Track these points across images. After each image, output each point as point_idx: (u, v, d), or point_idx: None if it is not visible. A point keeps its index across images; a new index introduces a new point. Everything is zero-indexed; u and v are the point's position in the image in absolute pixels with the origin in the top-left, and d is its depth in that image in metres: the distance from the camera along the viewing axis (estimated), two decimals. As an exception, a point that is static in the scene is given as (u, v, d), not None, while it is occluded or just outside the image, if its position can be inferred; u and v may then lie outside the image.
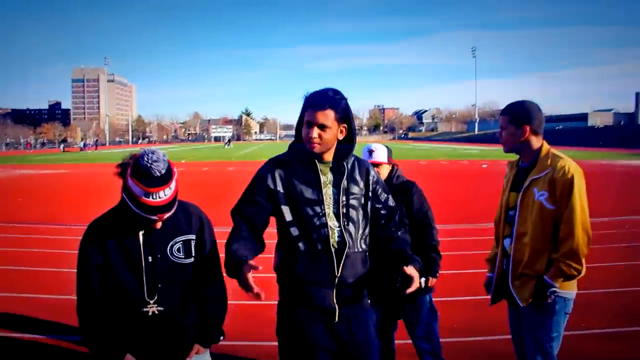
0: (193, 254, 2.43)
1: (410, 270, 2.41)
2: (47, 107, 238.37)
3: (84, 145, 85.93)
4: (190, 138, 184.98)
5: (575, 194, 2.85)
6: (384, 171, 3.77)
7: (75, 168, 34.54)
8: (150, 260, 2.33)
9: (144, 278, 2.31)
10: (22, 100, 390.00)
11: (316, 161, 2.52)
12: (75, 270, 2.37)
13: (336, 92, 2.54)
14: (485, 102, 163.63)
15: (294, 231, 2.50)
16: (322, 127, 2.46)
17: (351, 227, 2.55)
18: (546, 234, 2.92)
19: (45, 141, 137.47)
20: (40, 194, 18.43)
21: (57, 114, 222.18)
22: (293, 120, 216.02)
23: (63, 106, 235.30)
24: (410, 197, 3.75)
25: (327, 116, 2.47)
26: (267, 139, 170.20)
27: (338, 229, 2.51)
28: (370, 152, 3.75)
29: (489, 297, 3.30)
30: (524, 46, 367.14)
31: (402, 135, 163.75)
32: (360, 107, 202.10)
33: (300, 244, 2.49)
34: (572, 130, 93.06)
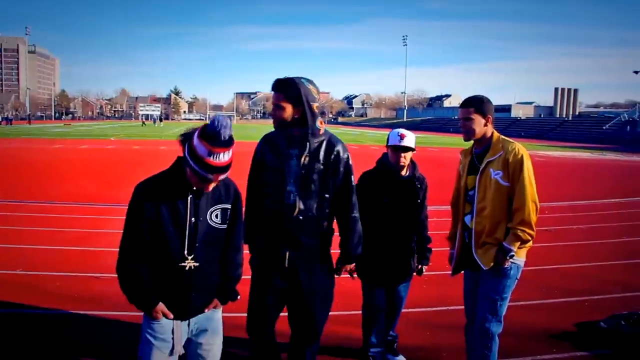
0: (227, 221, 2.74)
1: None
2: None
3: (2, 119, 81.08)
4: (116, 115, 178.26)
5: (525, 171, 3.37)
6: (409, 156, 3.96)
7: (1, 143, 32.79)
8: (193, 221, 2.61)
9: (186, 236, 2.60)
10: None
11: (286, 138, 3.16)
12: (124, 222, 2.64)
13: (292, 79, 3.10)
14: (414, 90, 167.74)
15: (266, 190, 3.23)
16: (278, 106, 3.09)
17: (305, 194, 3.10)
18: (503, 207, 3.41)
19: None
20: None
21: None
22: (223, 100, 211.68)
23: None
24: (425, 191, 4.15)
25: (278, 98, 3.09)
26: (196, 119, 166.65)
27: (293, 194, 3.10)
28: (401, 136, 3.91)
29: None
30: (452, 37, 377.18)
31: (332, 120, 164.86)
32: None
33: (267, 201, 3.21)
34: (497, 120, 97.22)
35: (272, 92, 3.11)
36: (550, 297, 5.84)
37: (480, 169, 3.50)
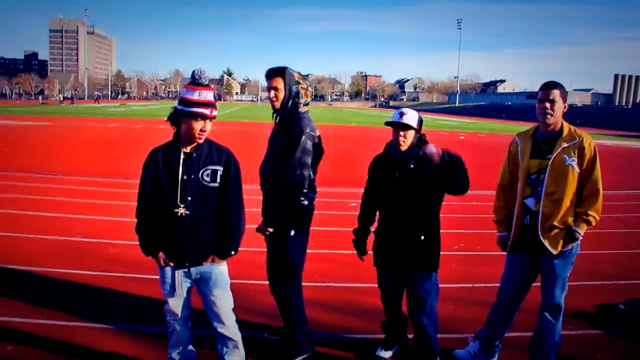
0: (218, 181, 3.25)
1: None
2: (22, 57, 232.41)
3: (65, 98, 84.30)
4: (170, 96, 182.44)
5: (597, 161, 3.59)
6: (410, 135, 3.74)
7: (56, 121, 34.42)
8: (185, 178, 3.20)
9: (179, 189, 3.19)
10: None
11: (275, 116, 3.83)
12: None
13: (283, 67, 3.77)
14: (467, 75, 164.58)
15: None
16: (275, 89, 3.72)
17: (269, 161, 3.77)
18: (574, 192, 3.59)
19: (21, 92, 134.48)
20: (26, 145, 18.69)
21: (33, 65, 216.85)
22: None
23: (40, 57, 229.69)
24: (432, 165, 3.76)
25: (278, 82, 3.71)
26: (248, 100, 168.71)
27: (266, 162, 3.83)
28: (401, 114, 3.77)
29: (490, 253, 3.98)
30: (509, 21, 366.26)
31: (384, 103, 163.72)
32: (343, 73, 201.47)
33: None
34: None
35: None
36: (576, 280, 5.97)
37: (554, 154, 3.58)
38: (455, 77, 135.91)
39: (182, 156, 3.21)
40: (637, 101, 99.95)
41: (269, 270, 4.00)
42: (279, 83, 3.70)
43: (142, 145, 19.89)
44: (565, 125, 3.64)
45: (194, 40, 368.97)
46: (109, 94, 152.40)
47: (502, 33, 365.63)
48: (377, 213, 4.01)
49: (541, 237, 3.62)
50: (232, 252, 3.33)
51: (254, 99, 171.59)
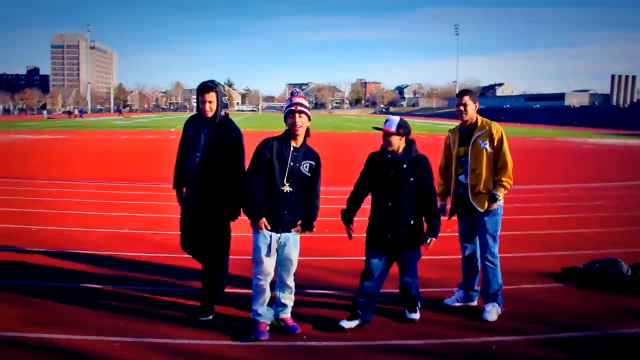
0: (311, 172, 4.38)
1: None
2: (25, 72, 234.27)
3: (79, 112, 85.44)
4: (171, 107, 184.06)
5: (504, 141, 4.93)
6: (395, 140, 4.52)
7: (72, 134, 35.68)
8: (291, 164, 4.29)
9: (286, 173, 4.28)
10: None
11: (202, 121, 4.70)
12: (250, 161, 4.39)
13: (216, 83, 4.67)
14: (466, 79, 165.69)
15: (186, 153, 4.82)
16: (210, 102, 4.59)
17: (210, 167, 4.58)
18: (490, 167, 4.91)
19: (24, 107, 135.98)
20: (49, 156, 19.93)
21: (35, 80, 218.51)
22: (275, 91, 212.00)
23: (41, 72, 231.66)
24: (423, 170, 4.59)
25: (212, 96, 4.58)
26: (249, 110, 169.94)
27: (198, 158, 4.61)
28: (386, 120, 4.61)
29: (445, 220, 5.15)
30: (506, 25, 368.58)
31: (384, 110, 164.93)
32: (343, 80, 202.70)
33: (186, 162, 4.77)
34: (549, 109, 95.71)
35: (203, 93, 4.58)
36: (550, 251, 7.16)
37: (472, 141, 4.94)
38: (454, 82, 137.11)
39: (291, 149, 4.31)
40: (635, 101, 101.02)
41: (209, 246, 4.73)
42: (213, 97, 4.57)
43: (160, 153, 21.12)
44: (479, 119, 5.00)
45: (194, 52, 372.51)
46: (111, 106, 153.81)
47: (499, 37, 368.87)
48: (370, 200, 4.77)
49: (472, 201, 4.94)
50: (312, 226, 4.48)
51: (254, 109, 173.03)
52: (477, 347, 4.33)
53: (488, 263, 4.98)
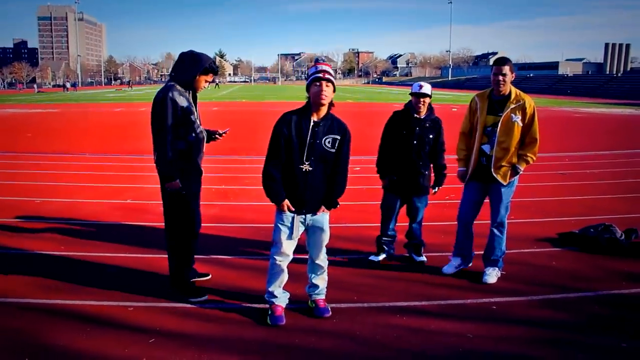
0: (335, 148, 4.00)
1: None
2: (12, 45, 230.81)
3: (71, 85, 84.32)
4: (163, 80, 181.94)
5: (536, 116, 4.83)
6: (427, 102, 5.28)
7: (62, 107, 35.44)
8: (311, 141, 3.92)
9: (305, 149, 3.93)
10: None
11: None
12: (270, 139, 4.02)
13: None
14: (459, 48, 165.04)
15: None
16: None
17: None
18: (518, 141, 4.84)
19: (13, 81, 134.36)
20: (46, 130, 19.89)
21: (23, 53, 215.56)
22: (267, 62, 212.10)
23: (29, 45, 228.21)
24: (440, 130, 5.43)
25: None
26: (241, 81, 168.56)
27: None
28: (420, 86, 5.27)
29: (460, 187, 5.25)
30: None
31: (377, 79, 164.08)
32: (335, 50, 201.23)
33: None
34: (543, 78, 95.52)
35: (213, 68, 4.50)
36: (547, 217, 7.35)
37: (504, 112, 4.77)
38: (447, 51, 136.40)
39: (311, 124, 3.93)
40: (628, 70, 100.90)
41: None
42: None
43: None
44: (513, 90, 4.81)
45: (185, 23, 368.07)
46: (102, 79, 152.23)
47: (492, 5, 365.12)
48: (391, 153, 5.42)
49: (493, 173, 4.89)
50: (336, 203, 4.17)
51: (246, 80, 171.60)
52: (479, 307, 4.52)
53: (497, 231, 5.06)
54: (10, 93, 72.06)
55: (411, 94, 5.32)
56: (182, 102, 4.40)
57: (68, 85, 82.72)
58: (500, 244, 5.09)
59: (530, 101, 4.82)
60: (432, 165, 5.51)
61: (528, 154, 4.86)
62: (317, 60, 4.18)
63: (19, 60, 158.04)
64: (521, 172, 4.93)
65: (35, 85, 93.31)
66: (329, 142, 3.99)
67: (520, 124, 4.79)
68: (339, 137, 4.02)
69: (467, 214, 5.22)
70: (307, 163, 3.96)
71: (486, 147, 4.92)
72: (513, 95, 4.79)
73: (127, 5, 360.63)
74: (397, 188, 5.46)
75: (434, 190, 5.50)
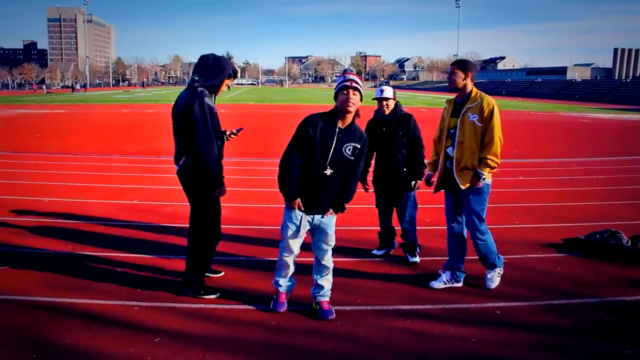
0: (355, 155, 4.12)
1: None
2: (21, 47, 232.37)
3: (81, 86, 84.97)
4: (170, 81, 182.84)
5: (494, 116, 4.68)
6: (391, 104, 5.49)
7: (70, 108, 35.68)
8: (334, 147, 4.02)
9: (329, 154, 4.03)
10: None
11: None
12: (292, 137, 4.10)
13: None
14: (467, 52, 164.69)
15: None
16: None
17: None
18: (477, 142, 4.69)
19: (22, 82, 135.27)
20: (53, 131, 20.03)
21: (32, 55, 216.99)
22: (274, 65, 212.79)
23: (39, 46, 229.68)
24: (408, 124, 5.48)
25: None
26: (248, 84, 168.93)
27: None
28: (382, 91, 5.50)
29: (431, 190, 5.22)
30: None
31: (384, 83, 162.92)
32: (343, 54, 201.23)
33: None
34: (551, 83, 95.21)
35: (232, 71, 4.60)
36: (550, 222, 7.34)
37: (462, 113, 4.75)
38: (454, 55, 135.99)
39: (336, 130, 4.04)
40: (637, 75, 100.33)
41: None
42: None
43: (163, 127, 21.23)
44: (474, 90, 4.79)
45: (192, 25, 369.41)
46: (110, 81, 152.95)
47: (500, 10, 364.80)
48: (374, 157, 5.62)
49: (455, 176, 4.79)
50: (344, 208, 4.30)
51: (254, 82, 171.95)
52: (482, 311, 4.52)
53: (479, 241, 4.93)
54: (25, 93, 72.45)
55: (374, 99, 5.58)
56: (214, 107, 4.49)
57: (77, 86, 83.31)
58: (489, 250, 4.96)
59: (489, 100, 4.74)
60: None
61: (488, 156, 4.67)
62: (345, 71, 4.39)
63: (29, 62, 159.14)
64: (484, 177, 4.72)
65: (44, 86, 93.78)
66: (349, 149, 4.10)
67: (479, 124, 4.70)
68: (359, 146, 4.14)
69: (449, 223, 5.10)
70: (329, 167, 4.07)
71: (449, 150, 4.89)
72: (472, 95, 4.79)
73: (135, 7, 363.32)
74: (379, 188, 5.69)
75: (412, 185, 5.55)
